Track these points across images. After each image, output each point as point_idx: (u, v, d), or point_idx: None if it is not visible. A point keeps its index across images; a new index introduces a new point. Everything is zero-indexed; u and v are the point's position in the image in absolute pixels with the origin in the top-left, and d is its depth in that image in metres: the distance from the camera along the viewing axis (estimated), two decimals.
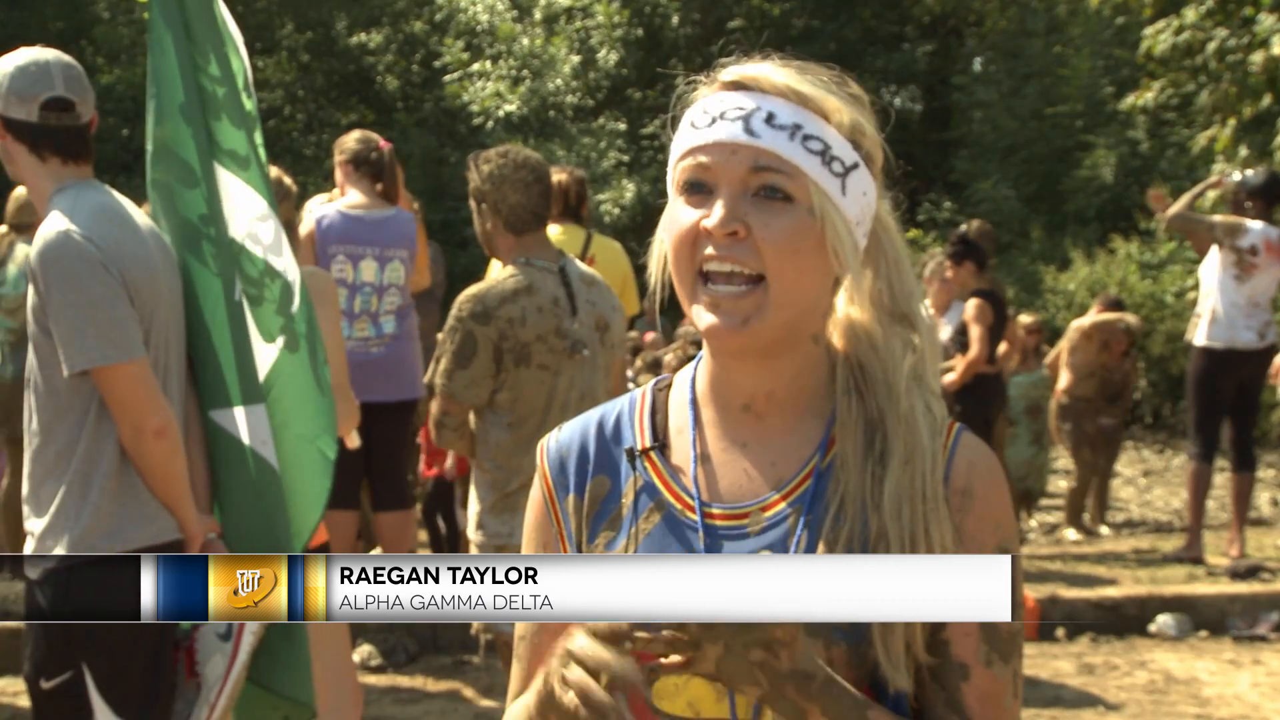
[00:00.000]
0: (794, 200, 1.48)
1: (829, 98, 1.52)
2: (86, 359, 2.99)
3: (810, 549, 1.49)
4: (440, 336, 4.15)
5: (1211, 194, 8.96)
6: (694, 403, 1.60)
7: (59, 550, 2.98)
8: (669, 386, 1.65)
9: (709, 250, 1.48)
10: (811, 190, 1.48)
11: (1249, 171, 8.18)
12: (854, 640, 1.46)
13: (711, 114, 1.51)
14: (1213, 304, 7.70)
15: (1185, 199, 8.12)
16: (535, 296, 4.03)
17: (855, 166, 1.51)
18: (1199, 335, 7.78)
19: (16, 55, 3.20)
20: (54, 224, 3.05)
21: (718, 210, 1.47)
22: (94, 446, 3.04)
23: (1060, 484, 11.49)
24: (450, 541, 7.43)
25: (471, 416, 4.13)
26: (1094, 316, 9.91)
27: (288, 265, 3.38)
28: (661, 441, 1.59)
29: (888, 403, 1.52)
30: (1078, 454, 9.85)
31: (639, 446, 1.60)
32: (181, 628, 3.17)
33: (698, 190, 1.51)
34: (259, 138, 3.53)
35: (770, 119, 1.49)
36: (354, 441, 4.35)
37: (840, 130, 1.51)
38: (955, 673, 1.49)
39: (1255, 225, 7.64)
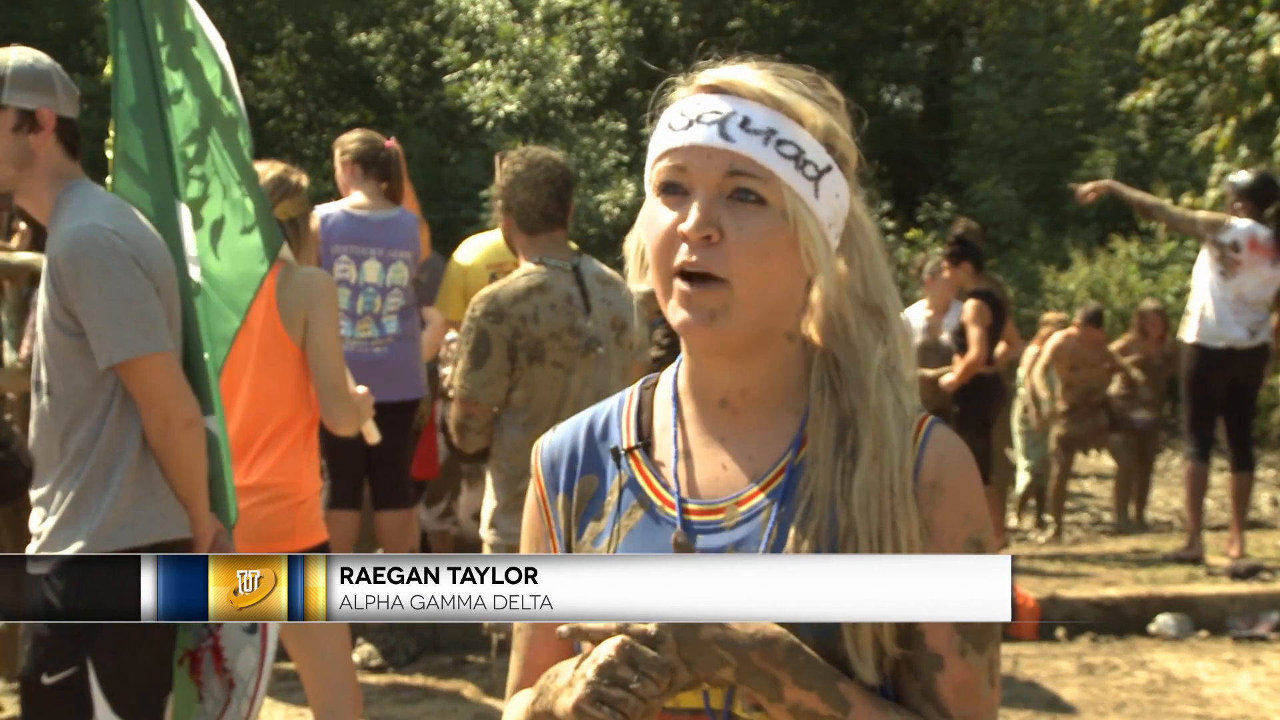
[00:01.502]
0: (767, 203, 1.51)
1: (803, 102, 1.55)
2: (124, 351, 3.00)
3: (780, 543, 1.51)
4: (456, 339, 4.16)
5: (1213, 193, 8.97)
6: (675, 399, 1.64)
7: (75, 544, 2.98)
8: (656, 384, 1.68)
9: (684, 251, 1.51)
10: (785, 194, 1.51)
11: (1241, 173, 8.18)
12: (823, 634, 1.48)
13: (688, 116, 1.54)
14: (1202, 301, 7.73)
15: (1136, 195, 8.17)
16: (548, 294, 4.04)
17: (828, 170, 1.54)
18: (1189, 332, 7.81)
19: (37, 54, 3.15)
20: (79, 219, 3.04)
21: (693, 214, 1.50)
22: (115, 441, 3.04)
23: (1084, 485, 11.53)
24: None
25: None
26: (1064, 343, 9.87)
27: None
28: (646, 440, 1.63)
29: (859, 399, 1.54)
30: (1054, 457, 9.94)
31: (624, 445, 1.64)
32: (186, 629, 3.17)
33: (674, 191, 1.54)
34: (243, 137, 3.52)
35: (745, 124, 1.52)
36: (374, 437, 4.34)
37: (814, 134, 1.54)
38: (930, 663, 1.51)
39: (1240, 223, 7.64)
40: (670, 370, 1.67)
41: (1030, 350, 10.23)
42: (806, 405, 1.57)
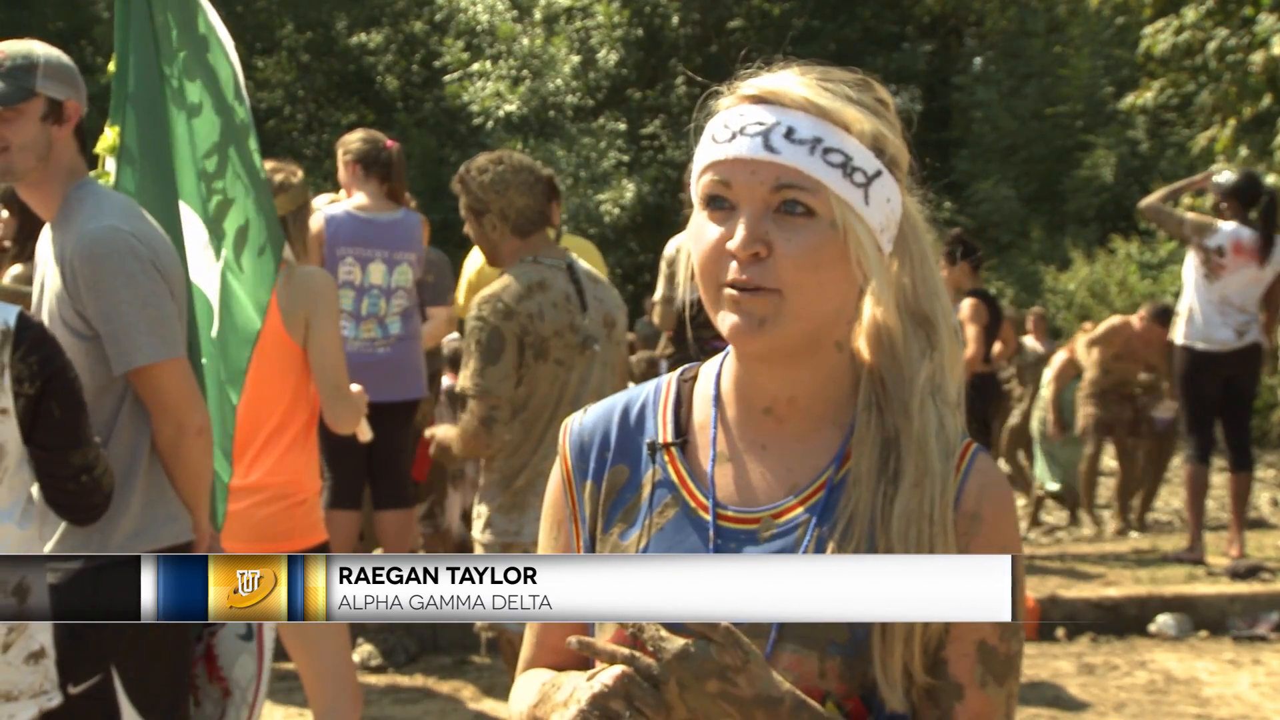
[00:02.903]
0: (816, 214, 1.48)
1: (848, 108, 1.52)
2: (144, 356, 2.93)
3: None
4: (462, 342, 4.13)
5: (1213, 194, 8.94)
6: (717, 400, 1.61)
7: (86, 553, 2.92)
8: (694, 378, 1.65)
9: (733, 267, 1.48)
10: (834, 203, 1.48)
11: (1225, 173, 8.15)
12: (850, 655, 1.48)
13: (732, 129, 1.51)
14: (1189, 303, 7.71)
15: (1163, 191, 8.13)
16: (549, 292, 4.04)
17: (878, 174, 1.51)
18: (1178, 334, 7.80)
19: (58, 50, 3.09)
20: (97, 220, 2.97)
21: (740, 232, 1.47)
22: (126, 447, 2.98)
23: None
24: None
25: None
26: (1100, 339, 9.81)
27: (206, 283, 3.40)
28: (684, 437, 1.60)
29: (903, 421, 1.52)
30: (1083, 444, 9.91)
31: (660, 440, 1.60)
32: (197, 628, 3.16)
33: (720, 205, 1.51)
34: (253, 143, 3.52)
35: (790, 134, 1.49)
36: (366, 435, 4.33)
37: (862, 140, 1.51)
38: (950, 692, 1.51)
39: (1225, 226, 7.60)
40: (712, 367, 1.64)
41: (1059, 356, 10.22)
42: (851, 420, 1.55)
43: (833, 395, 1.56)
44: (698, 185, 1.54)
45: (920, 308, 1.55)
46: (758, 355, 1.53)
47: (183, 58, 3.41)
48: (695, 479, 1.57)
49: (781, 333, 1.48)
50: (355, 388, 4.11)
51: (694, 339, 5.73)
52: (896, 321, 1.55)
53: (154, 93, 3.33)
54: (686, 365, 1.68)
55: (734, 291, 1.48)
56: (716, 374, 1.62)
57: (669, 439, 1.60)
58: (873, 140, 1.52)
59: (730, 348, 1.60)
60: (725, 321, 1.50)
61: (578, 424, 1.66)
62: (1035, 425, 10.33)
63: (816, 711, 1.45)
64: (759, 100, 1.52)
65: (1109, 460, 11.03)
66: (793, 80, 1.53)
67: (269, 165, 4.05)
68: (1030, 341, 11.36)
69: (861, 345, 1.58)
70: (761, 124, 1.49)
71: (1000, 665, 1.51)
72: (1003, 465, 11.74)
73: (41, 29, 17.95)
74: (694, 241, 1.53)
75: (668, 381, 1.66)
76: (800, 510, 1.53)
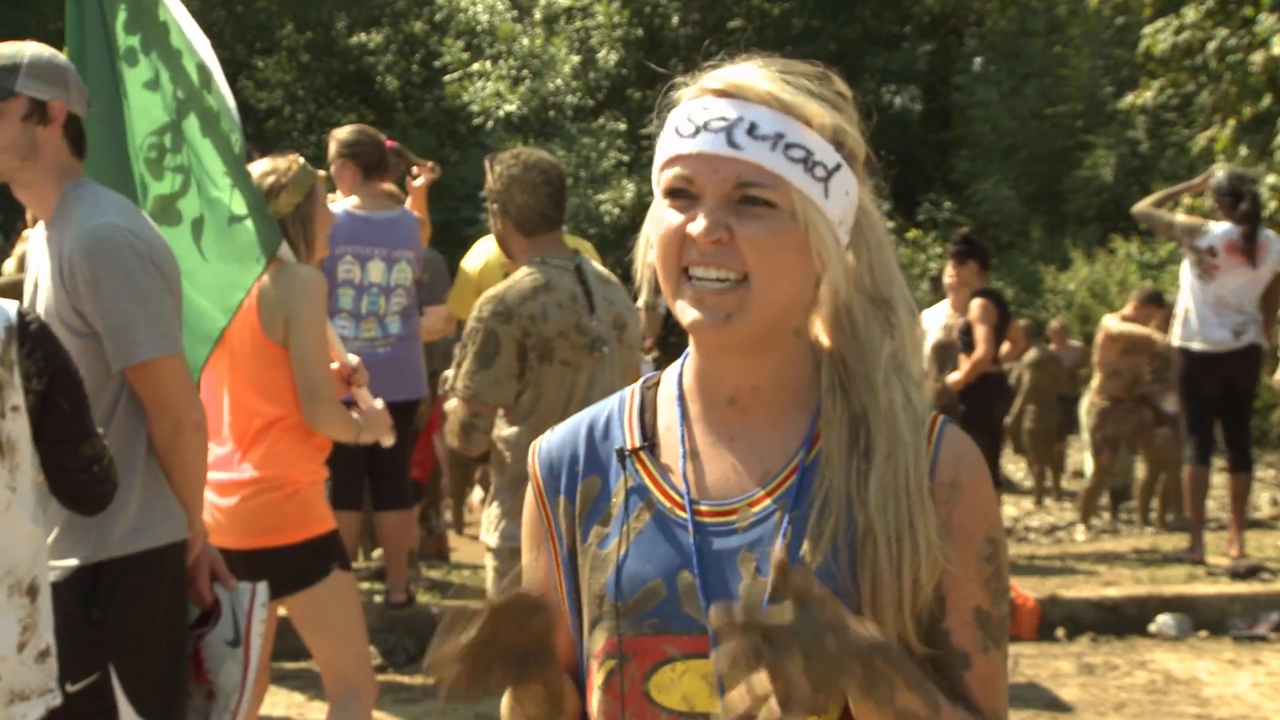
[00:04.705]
0: (776, 206, 1.50)
1: (810, 103, 1.53)
2: (144, 351, 2.95)
3: (796, 543, 1.50)
4: (461, 340, 4.11)
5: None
6: (681, 398, 1.62)
7: (84, 550, 2.92)
8: (657, 384, 1.67)
9: (694, 255, 1.50)
10: (794, 197, 1.50)
11: (1219, 173, 8.14)
12: None
13: (695, 123, 1.52)
14: (1186, 305, 7.70)
15: (1158, 195, 8.12)
16: (554, 293, 4.02)
17: (838, 168, 1.53)
18: (1175, 335, 7.80)
19: (54, 51, 3.09)
20: (96, 217, 2.98)
21: (702, 219, 1.49)
22: (123, 444, 2.99)
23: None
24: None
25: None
26: (1120, 325, 9.81)
27: None
28: (651, 440, 1.61)
29: (869, 398, 1.54)
30: (1097, 456, 9.87)
31: (628, 446, 1.61)
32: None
33: (682, 195, 1.53)
34: (230, 130, 3.51)
35: (753, 130, 1.50)
36: (388, 440, 4.29)
37: (822, 134, 1.52)
38: (957, 662, 1.52)
39: (1217, 227, 7.57)
40: (674, 369, 1.65)
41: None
42: (815, 403, 1.56)
43: (795, 381, 1.57)
44: (659, 175, 1.56)
45: (879, 292, 1.57)
46: (718, 346, 1.55)
47: (139, 39, 3.41)
48: (667, 479, 1.58)
49: (745, 323, 1.50)
50: (378, 403, 4.08)
51: (675, 345, 5.74)
52: (855, 304, 1.56)
53: (109, 93, 3.34)
54: (649, 375, 1.69)
55: (699, 287, 1.50)
56: (678, 374, 1.64)
57: (636, 444, 1.61)
58: (833, 134, 1.53)
59: (690, 350, 1.61)
60: (687, 315, 1.51)
61: (546, 443, 1.67)
62: (1085, 418, 10.29)
63: (910, 659, 1.44)
64: (722, 94, 1.53)
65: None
66: (756, 74, 1.54)
67: (264, 164, 4.03)
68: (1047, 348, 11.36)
69: (819, 331, 1.59)
70: (725, 119, 1.51)
71: (996, 628, 1.53)
72: (1013, 467, 11.74)
73: (42, 29, 17.96)
74: (654, 227, 1.55)
75: (631, 391, 1.68)
76: (774, 497, 1.54)
